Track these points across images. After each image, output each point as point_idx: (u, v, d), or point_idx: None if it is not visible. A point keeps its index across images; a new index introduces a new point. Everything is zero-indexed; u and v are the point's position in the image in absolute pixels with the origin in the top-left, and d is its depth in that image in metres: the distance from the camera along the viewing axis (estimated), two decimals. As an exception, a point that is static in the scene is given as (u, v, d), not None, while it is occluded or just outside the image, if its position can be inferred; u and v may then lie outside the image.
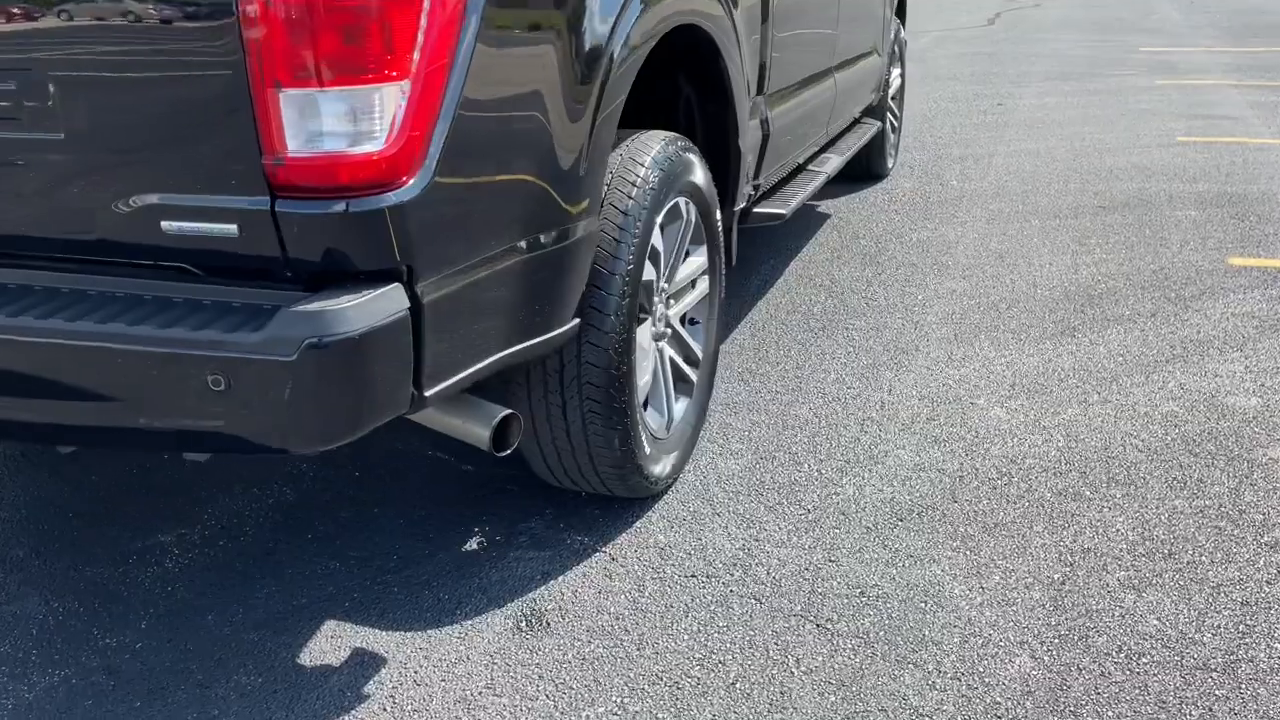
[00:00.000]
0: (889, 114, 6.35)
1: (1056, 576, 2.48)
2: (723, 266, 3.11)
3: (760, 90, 3.44)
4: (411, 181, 1.67)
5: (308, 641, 2.31)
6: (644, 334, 2.67)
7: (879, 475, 2.95)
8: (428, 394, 1.82)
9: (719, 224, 3.02)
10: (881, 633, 2.30)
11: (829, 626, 2.32)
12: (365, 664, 2.24)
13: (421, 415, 2.24)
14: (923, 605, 2.39)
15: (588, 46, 2.11)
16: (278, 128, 1.57)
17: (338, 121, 1.57)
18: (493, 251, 1.91)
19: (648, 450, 2.63)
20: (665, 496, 2.86)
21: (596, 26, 2.13)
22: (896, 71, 6.55)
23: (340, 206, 1.61)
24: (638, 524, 2.74)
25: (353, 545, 2.66)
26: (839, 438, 3.16)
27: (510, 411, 2.17)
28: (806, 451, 3.09)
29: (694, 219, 2.85)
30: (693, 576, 2.52)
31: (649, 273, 2.58)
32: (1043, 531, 2.66)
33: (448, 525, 2.74)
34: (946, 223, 5.45)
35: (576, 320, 2.31)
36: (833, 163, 4.61)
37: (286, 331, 1.57)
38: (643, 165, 2.53)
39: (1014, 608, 2.37)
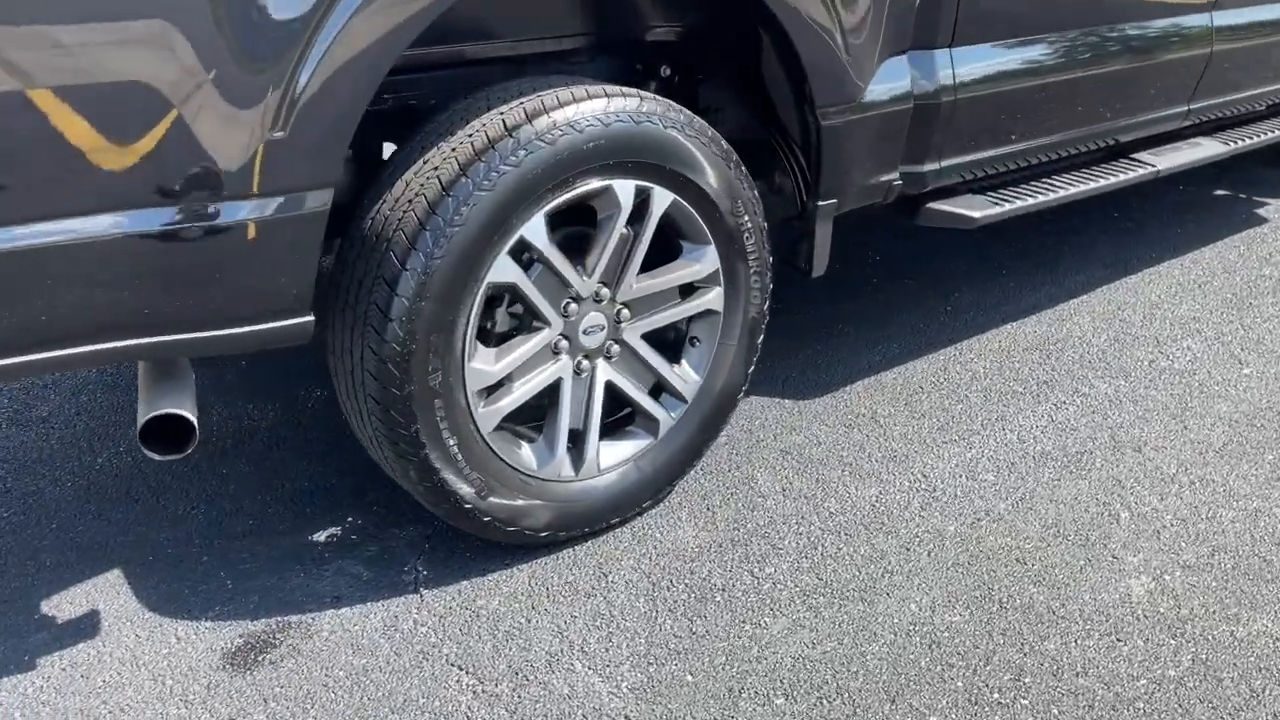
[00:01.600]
0: None
1: None
2: (755, 277, 2.31)
3: (936, 40, 2.45)
4: None
5: (75, 585, 2.18)
6: (523, 349, 2.07)
7: (838, 622, 2.05)
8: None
9: (741, 222, 2.22)
10: None
11: (501, 811, 1.67)
12: (78, 631, 2.06)
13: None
14: (645, 840, 1.62)
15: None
16: None
17: None
18: (31, 224, 1.53)
19: (469, 487, 2.05)
20: (568, 552, 2.26)
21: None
22: None
23: None
24: (493, 576, 2.20)
25: (248, 493, 2.46)
26: (861, 549, 2.26)
27: (173, 413, 1.78)
28: (795, 553, 2.25)
29: (659, 211, 2.12)
30: (456, 667, 1.97)
31: (508, 273, 1.97)
32: (956, 806, 1.67)
33: (335, 505, 2.42)
34: None
35: (308, 318, 1.82)
36: (1191, 154, 3.26)
37: None
38: (509, 134, 1.90)
39: None
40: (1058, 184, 2.91)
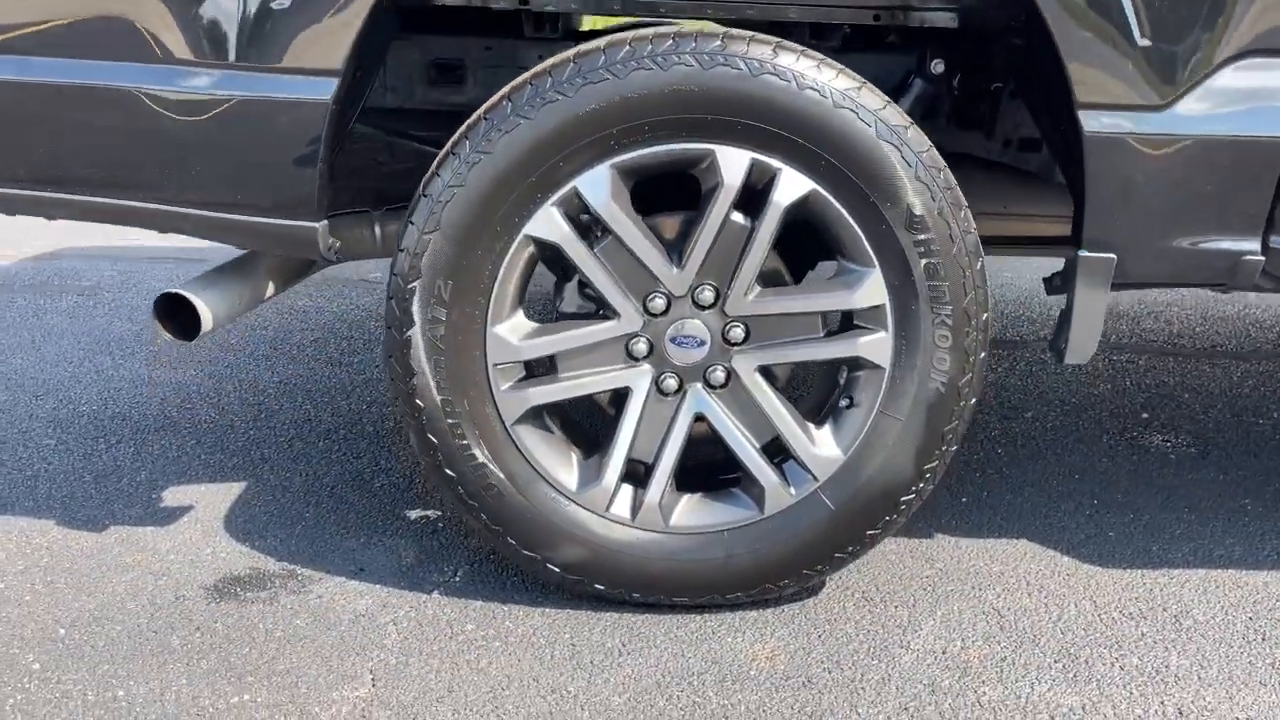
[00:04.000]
0: None
1: None
2: (944, 334, 1.64)
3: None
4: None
5: (215, 467, 2.23)
6: (571, 333, 1.69)
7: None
8: None
9: (924, 244, 1.60)
10: None
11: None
12: (168, 513, 2.09)
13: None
14: None
15: None
16: None
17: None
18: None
19: (472, 478, 1.69)
20: (611, 617, 1.78)
21: None
22: None
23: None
24: (510, 608, 1.80)
25: (408, 456, 2.35)
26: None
27: (180, 294, 1.70)
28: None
29: (785, 200, 1.60)
30: (368, 682, 1.62)
31: (551, 230, 1.61)
32: None
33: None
34: None
35: (314, 224, 1.64)
36: None
37: None
38: (574, 60, 1.56)
39: None
40: None
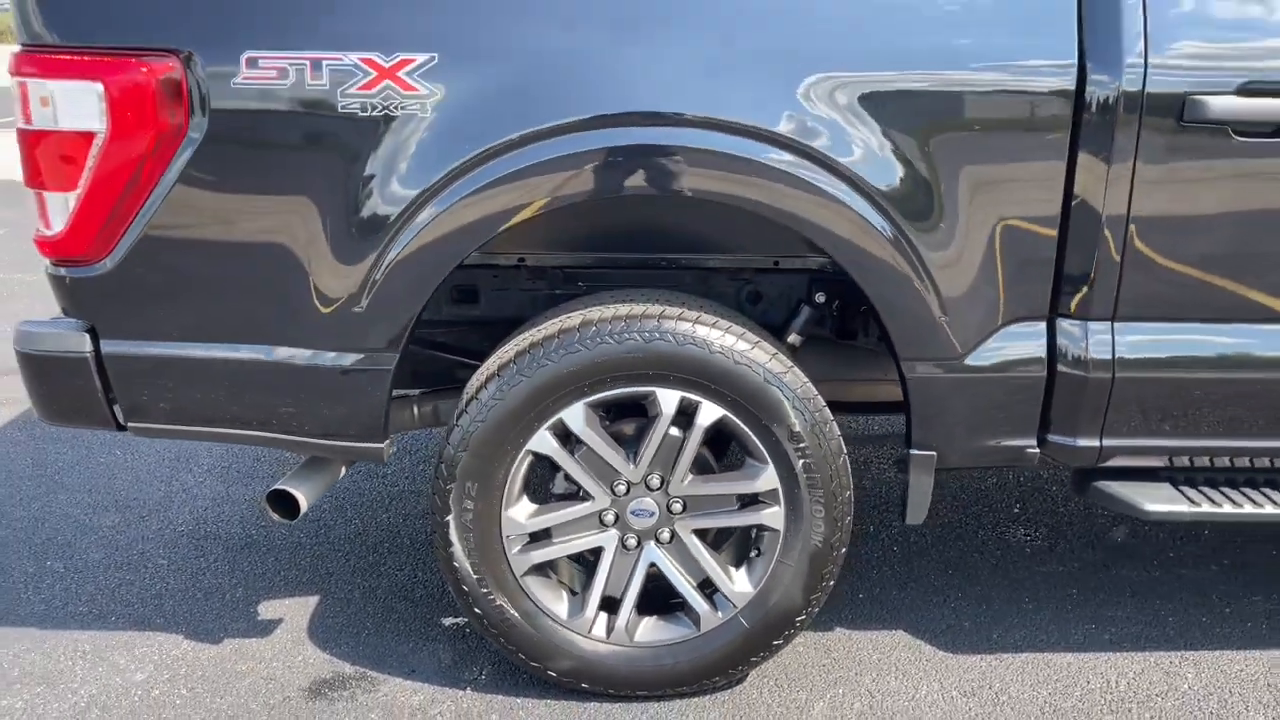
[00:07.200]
0: None
1: None
2: (819, 509, 2.36)
3: (1090, 311, 2.30)
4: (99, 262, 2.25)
5: (288, 596, 2.95)
6: (560, 513, 2.41)
7: None
8: (129, 425, 2.38)
9: (802, 450, 2.32)
10: None
11: None
12: (258, 626, 2.81)
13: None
14: None
15: (359, 213, 2.20)
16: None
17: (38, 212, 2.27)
18: (197, 339, 2.30)
19: (492, 614, 2.41)
20: (595, 708, 2.51)
21: (374, 199, 2.19)
22: None
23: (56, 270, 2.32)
24: (521, 701, 2.53)
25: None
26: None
27: (284, 490, 2.43)
28: (770, 782, 2.25)
29: (704, 422, 2.32)
30: (425, 756, 2.35)
31: (545, 446, 2.33)
32: None
33: (486, 602, 2.93)
34: None
35: (380, 444, 2.37)
36: None
37: None
38: (558, 336, 2.28)
39: None
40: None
